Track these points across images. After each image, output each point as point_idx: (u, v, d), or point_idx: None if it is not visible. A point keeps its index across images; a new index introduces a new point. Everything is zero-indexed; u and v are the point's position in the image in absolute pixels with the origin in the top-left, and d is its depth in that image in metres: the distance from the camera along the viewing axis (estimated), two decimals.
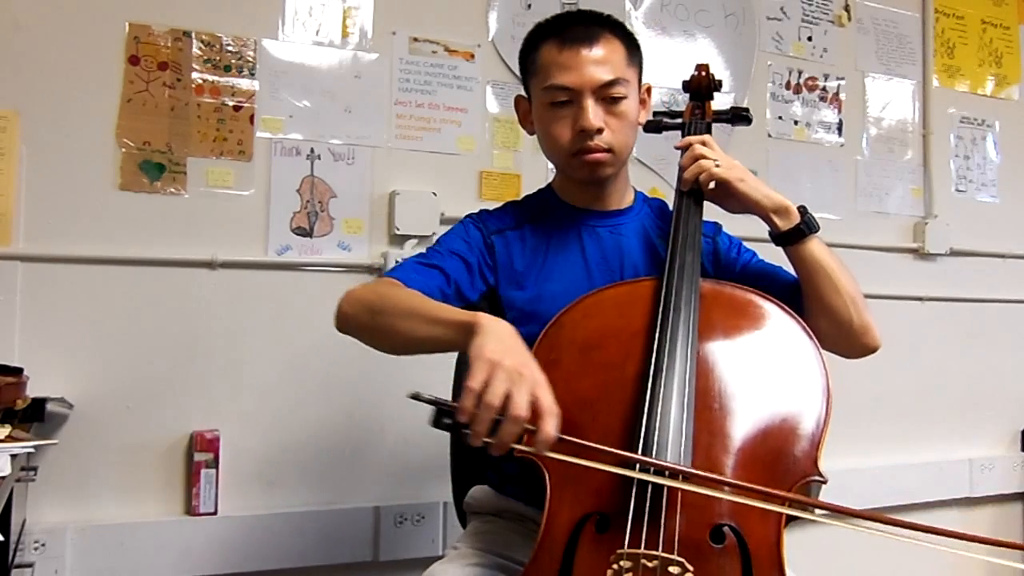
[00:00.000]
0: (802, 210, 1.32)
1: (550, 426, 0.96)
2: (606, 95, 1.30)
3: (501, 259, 1.38)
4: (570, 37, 1.30)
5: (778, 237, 1.32)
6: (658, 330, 1.16)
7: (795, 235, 1.30)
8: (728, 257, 1.45)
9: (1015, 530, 2.92)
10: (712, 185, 1.32)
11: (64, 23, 1.84)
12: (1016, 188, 2.99)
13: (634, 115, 1.35)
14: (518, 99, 1.44)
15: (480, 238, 1.39)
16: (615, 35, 1.33)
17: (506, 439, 0.96)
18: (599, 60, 1.29)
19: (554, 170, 1.46)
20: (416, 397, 0.97)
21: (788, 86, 2.63)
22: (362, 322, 1.23)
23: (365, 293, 1.25)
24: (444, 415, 0.97)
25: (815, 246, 1.31)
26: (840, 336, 1.30)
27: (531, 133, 1.42)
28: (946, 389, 2.82)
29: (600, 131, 1.30)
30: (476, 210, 1.46)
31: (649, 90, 1.42)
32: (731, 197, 1.33)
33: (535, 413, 0.96)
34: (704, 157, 1.32)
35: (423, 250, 1.40)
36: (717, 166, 1.31)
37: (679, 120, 1.48)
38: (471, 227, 1.41)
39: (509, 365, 0.97)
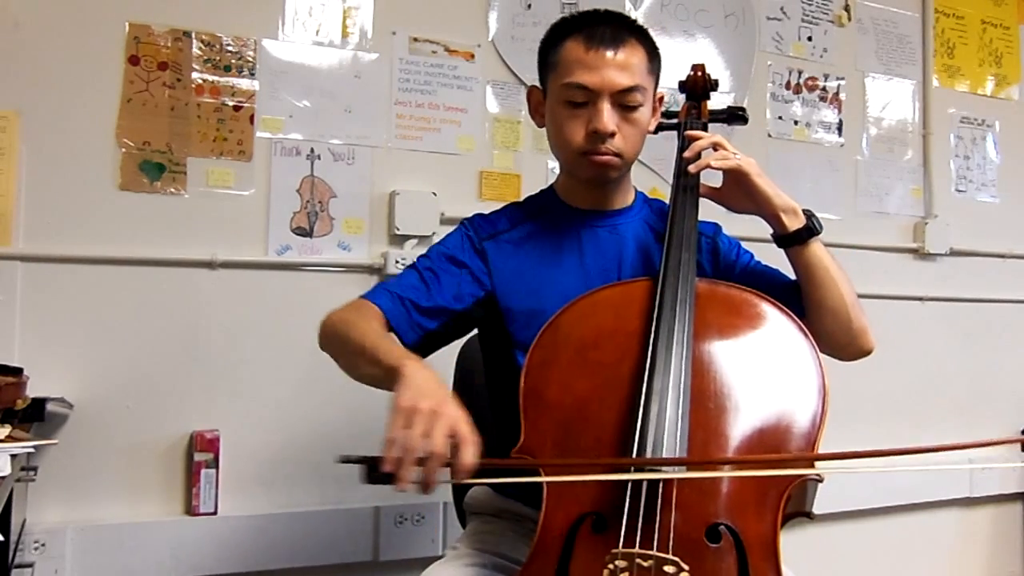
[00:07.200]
0: (807, 213, 1.33)
1: (468, 455, 0.96)
2: (623, 101, 1.29)
3: (495, 263, 1.38)
4: (597, 37, 1.29)
5: (783, 238, 1.32)
6: (653, 329, 1.16)
7: (802, 236, 1.31)
8: (728, 259, 1.44)
9: (1015, 530, 2.91)
10: (724, 173, 1.32)
11: (64, 23, 1.84)
12: (1016, 188, 2.99)
13: (646, 123, 1.35)
14: (531, 89, 1.42)
15: (470, 245, 1.39)
16: (640, 42, 1.32)
17: (429, 477, 0.96)
18: (621, 65, 1.28)
19: (555, 171, 1.46)
20: (346, 460, 0.99)
21: (788, 86, 2.63)
22: (332, 353, 1.28)
23: (335, 323, 1.27)
24: (373, 470, 0.96)
25: (818, 248, 1.32)
26: (839, 337, 1.32)
27: (540, 125, 1.41)
28: (946, 389, 2.82)
29: (612, 135, 1.29)
30: (476, 211, 1.45)
31: (661, 99, 1.41)
32: (744, 192, 1.32)
33: (456, 446, 0.97)
34: (724, 147, 1.33)
35: (418, 255, 1.41)
36: (737, 156, 1.32)
37: (675, 120, 1.48)
38: (461, 235, 1.41)
39: (425, 407, 0.98)
